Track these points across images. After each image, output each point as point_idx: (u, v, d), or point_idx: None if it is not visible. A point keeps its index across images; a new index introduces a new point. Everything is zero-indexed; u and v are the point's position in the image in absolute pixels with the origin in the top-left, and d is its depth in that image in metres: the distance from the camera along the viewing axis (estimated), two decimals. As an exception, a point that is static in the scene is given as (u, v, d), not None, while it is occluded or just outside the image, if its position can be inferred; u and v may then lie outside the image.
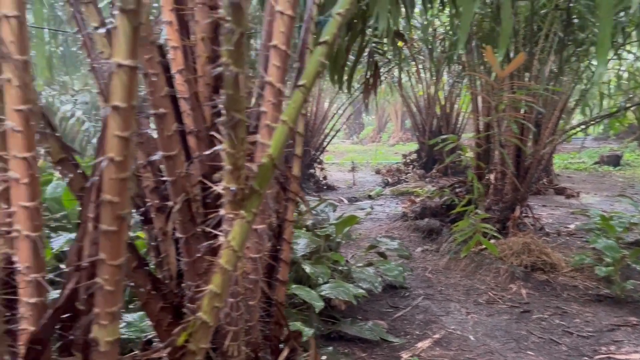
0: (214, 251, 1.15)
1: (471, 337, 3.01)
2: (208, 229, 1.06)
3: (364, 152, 14.28)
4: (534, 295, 3.64)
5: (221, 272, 0.88)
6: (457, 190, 5.42)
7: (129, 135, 0.69)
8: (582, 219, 5.52)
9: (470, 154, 5.32)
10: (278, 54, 0.92)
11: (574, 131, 5.34)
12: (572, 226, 5.42)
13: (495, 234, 4.05)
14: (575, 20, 4.68)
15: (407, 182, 7.85)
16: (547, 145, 4.87)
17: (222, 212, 0.90)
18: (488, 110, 5.26)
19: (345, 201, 6.94)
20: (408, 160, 8.98)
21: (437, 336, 3.04)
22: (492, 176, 5.00)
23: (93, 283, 0.77)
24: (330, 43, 0.80)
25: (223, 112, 0.76)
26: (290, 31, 0.91)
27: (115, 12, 0.64)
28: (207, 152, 1.07)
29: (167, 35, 1.19)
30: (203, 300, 0.90)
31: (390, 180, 8.30)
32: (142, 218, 1.29)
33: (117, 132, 0.69)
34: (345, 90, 4.68)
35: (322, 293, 2.77)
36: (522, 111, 4.61)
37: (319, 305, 2.55)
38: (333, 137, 8.44)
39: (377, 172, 9.60)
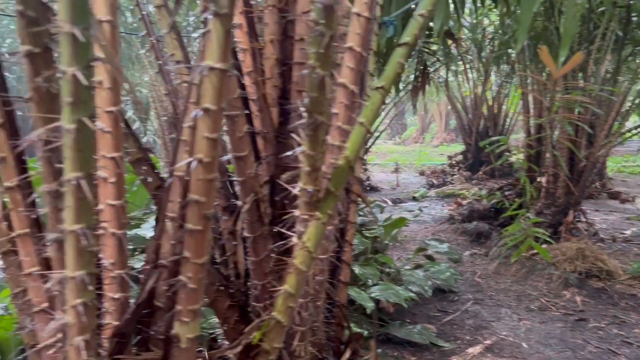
0: (283, 251, 1.16)
1: (524, 345, 2.94)
2: (278, 229, 1.07)
3: (407, 153, 14.14)
4: (589, 303, 3.52)
5: (296, 272, 0.89)
6: (507, 193, 5.30)
7: (218, 136, 0.71)
8: (639, 224, 5.31)
9: (521, 155, 5.19)
10: (353, 55, 0.92)
11: (630, 134, 5.13)
12: (628, 232, 5.21)
13: (547, 239, 3.94)
14: (634, 18, 4.50)
15: (453, 183, 7.72)
16: (602, 148, 4.70)
17: (296, 212, 0.90)
18: (539, 111, 5.12)
19: (389, 202, 6.89)
20: (453, 162, 8.83)
21: (488, 342, 2.98)
22: (543, 179, 4.87)
23: (177, 280, 0.79)
24: (412, 44, 0.80)
25: (304, 114, 0.77)
26: (366, 33, 0.90)
27: (209, 16, 0.66)
28: (287, 154, 1.08)
29: (237, 37, 1.21)
30: (277, 300, 0.90)
31: (435, 181, 8.19)
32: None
33: (206, 134, 0.71)
34: (393, 91, 4.65)
35: (372, 295, 2.76)
36: (576, 112, 4.46)
37: (370, 306, 2.54)
38: (377, 138, 8.39)
39: (421, 173, 9.49)
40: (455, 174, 8.22)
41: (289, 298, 0.90)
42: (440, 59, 5.73)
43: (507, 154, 7.21)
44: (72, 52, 0.55)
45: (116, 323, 0.88)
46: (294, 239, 0.94)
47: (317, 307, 1.15)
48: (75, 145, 0.58)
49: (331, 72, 0.71)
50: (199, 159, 0.72)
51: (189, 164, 0.72)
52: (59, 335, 0.74)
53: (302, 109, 0.76)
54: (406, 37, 0.80)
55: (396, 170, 9.00)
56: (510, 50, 6.14)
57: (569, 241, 4.30)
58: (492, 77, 8.50)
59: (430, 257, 3.76)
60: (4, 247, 0.96)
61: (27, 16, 0.56)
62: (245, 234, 1.20)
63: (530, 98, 5.34)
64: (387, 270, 3.31)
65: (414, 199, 7.11)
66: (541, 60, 4.82)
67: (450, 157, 9.16)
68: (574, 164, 4.70)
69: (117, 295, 0.87)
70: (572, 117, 4.29)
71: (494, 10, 6.00)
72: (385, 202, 6.86)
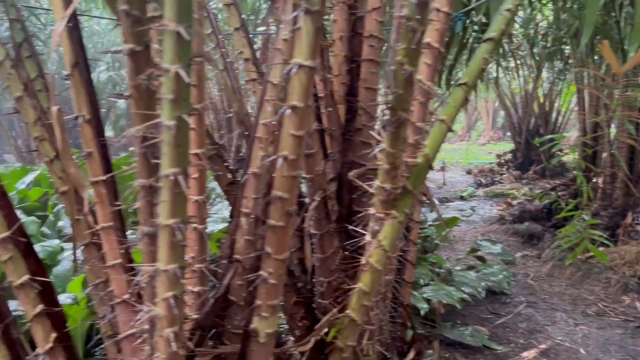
0: (350, 249, 1.16)
1: (582, 351, 2.84)
2: (347, 227, 1.06)
3: (452, 151, 13.86)
4: (650, 310, 3.37)
5: (371, 271, 0.88)
6: (560, 193, 5.13)
7: (304, 134, 0.71)
8: None
9: (574, 155, 5.02)
10: (431, 52, 0.91)
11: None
12: (691, 236, 4.95)
13: (604, 241, 3.79)
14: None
15: (502, 183, 7.54)
16: (664, 147, 4.49)
17: (371, 210, 0.90)
18: (596, 109, 4.94)
19: (436, 202, 6.78)
20: (502, 161, 8.62)
21: (543, 346, 2.90)
22: (600, 179, 4.69)
23: (257, 276, 0.80)
24: (497, 40, 0.78)
25: (387, 111, 0.76)
26: (445, 29, 0.89)
27: (300, 13, 0.66)
28: (368, 152, 1.07)
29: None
30: (352, 298, 0.90)
31: (483, 180, 8.01)
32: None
33: (292, 131, 0.71)
34: (445, 89, 4.57)
35: (424, 295, 2.73)
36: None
37: (425, 307, 2.52)
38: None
39: (468, 172, 9.31)
40: (504, 173, 8.03)
41: (363, 296, 0.89)
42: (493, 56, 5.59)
43: (560, 153, 6.98)
44: (175, 50, 0.56)
45: (195, 316, 0.90)
46: (367, 237, 0.93)
47: (384, 307, 1.14)
48: (174, 141, 0.59)
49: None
50: (284, 156, 0.72)
51: (272, 160, 0.73)
52: (145, 327, 0.76)
53: (384, 106, 0.76)
54: (492, 33, 0.78)
55: (442, 169, 8.86)
56: (564, 47, 5.93)
57: (627, 244, 4.13)
58: (544, 74, 8.24)
59: (481, 258, 3.68)
60: (86, 239, 0.99)
61: (132, 15, 0.57)
62: (312, 230, 1.20)
63: (586, 95, 5.15)
64: (437, 270, 3.26)
65: (462, 198, 6.99)
66: (599, 56, 4.64)
67: (499, 156, 8.94)
68: (634, 163, 4.51)
69: (196, 289, 0.89)
70: (632, 114, 4.12)
71: (548, 5, 5.80)
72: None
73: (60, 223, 2.65)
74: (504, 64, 7.02)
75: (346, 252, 1.15)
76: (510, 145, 9.08)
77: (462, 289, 2.98)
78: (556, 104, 8.10)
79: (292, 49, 0.90)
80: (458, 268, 3.45)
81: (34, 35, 1.11)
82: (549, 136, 4.57)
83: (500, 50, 5.42)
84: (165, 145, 0.60)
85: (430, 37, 0.90)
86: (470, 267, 3.41)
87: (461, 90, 0.81)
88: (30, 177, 3.35)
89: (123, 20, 0.58)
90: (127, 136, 0.63)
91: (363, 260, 0.91)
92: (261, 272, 0.80)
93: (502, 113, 13.35)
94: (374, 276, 0.89)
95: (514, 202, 5.62)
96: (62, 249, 2.18)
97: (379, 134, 0.82)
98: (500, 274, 3.30)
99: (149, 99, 0.63)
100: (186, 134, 0.60)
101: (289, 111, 0.69)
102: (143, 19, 0.58)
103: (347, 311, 0.91)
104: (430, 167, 0.85)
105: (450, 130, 0.83)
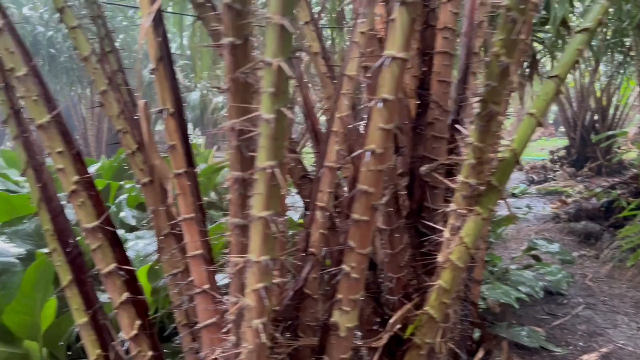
0: (420, 245, 1.15)
1: (646, 356, 2.72)
2: (424, 223, 1.05)
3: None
4: None
5: (451, 268, 0.87)
6: (619, 192, 4.92)
7: (393, 127, 0.70)
8: None
9: (634, 152, 4.81)
10: (516, 44, 0.88)
11: None
12: None
13: (670, 243, 3.61)
14: None
15: (555, 180, 7.30)
16: None
17: (452, 206, 0.88)
18: (660, 104, 4.71)
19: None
20: (555, 157, 8.34)
21: (604, 350, 2.79)
22: (664, 178, 4.48)
23: (339, 270, 0.80)
24: (593, 30, 0.75)
25: (477, 103, 0.74)
26: (530, 21, 0.86)
27: (395, 4, 0.65)
28: (439, 147, 1.05)
29: (378, 27, 1.20)
30: (431, 295, 0.89)
31: (535, 177, 7.78)
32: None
33: (381, 125, 0.70)
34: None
35: (480, 294, 2.67)
36: None
37: (482, 306, 2.46)
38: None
39: (520, 168, 9.06)
40: (558, 170, 7.76)
41: (443, 294, 0.88)
42: (549, 49, 5.40)
43: (618, 150, 6.71)
44: (279, 43, 0.56)
45: (276, 308, 0.90)
46: (446, 234, 0.92)
47: (457, 304, 1.12)
48: (273, 134, 0.59)
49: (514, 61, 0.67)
50: (372, 150, 0.72)
51: (359, 154, 0.72)
52: (231, 317, 0.77)
53: (474, 98, 0.74)
54: (587, 23, 0.75)
55: (492, 165, 8.63)
56: (625, 39, 5.67)
57: (694, 246, 3.92)
58: (601, 67, 7.90)
59: (536, 257, 3.58)
60: (165, 230, 1.02)
61: (234, 9, 0.58)
62: (382, 226, 1.19)
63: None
64: (491, 268, 3.19)
65: (514, 195, 6.81)
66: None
67: (552, 152, 8.65)
68: (702, 161, 4.29)
69: (276, 280, 0.90)
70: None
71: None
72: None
73: (122, 214, 2.73)
74: (559, 57, 6.77)
75: (419, 249, 1.13)
76: (563, 141, 8.78)
77: (519, 288, 2.90)
78: (614, 99, 7.76)
79: (369, 42, 0.89)
80: (513, 267, 3.36)
81: (113, 30, 1.14)
82: (609, 132, 4.38)
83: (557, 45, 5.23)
84: (264, 138, 0.60)
85: (516, 28, 0.87)
86: (527, 266, 3.32)
87: (553, 83, 0.78)
88: (92, 169, 3.48)
89: (225, 13, 0.59)
90: (224, 129, 0.63)
91: (441, 257, 0.90)
92: (343, 266, 0.79)
93: (554, 108, 12.90)
94: (454, 274, 0.87)
95: (569, 200, 5.42)
96: (126, 240, 2.24)
97: (465, 128, 0.80)
98: (558, 274, 3.20)
99: (245, 92, 0.63)
100: (284, 127, 0.60)
101: (380, 104, 0.68)
102: (244, 12, 0.58)
103: (426, 308, 0.89)
104: (518, 163, 0.82)
105: (540, 124, 0.80)
